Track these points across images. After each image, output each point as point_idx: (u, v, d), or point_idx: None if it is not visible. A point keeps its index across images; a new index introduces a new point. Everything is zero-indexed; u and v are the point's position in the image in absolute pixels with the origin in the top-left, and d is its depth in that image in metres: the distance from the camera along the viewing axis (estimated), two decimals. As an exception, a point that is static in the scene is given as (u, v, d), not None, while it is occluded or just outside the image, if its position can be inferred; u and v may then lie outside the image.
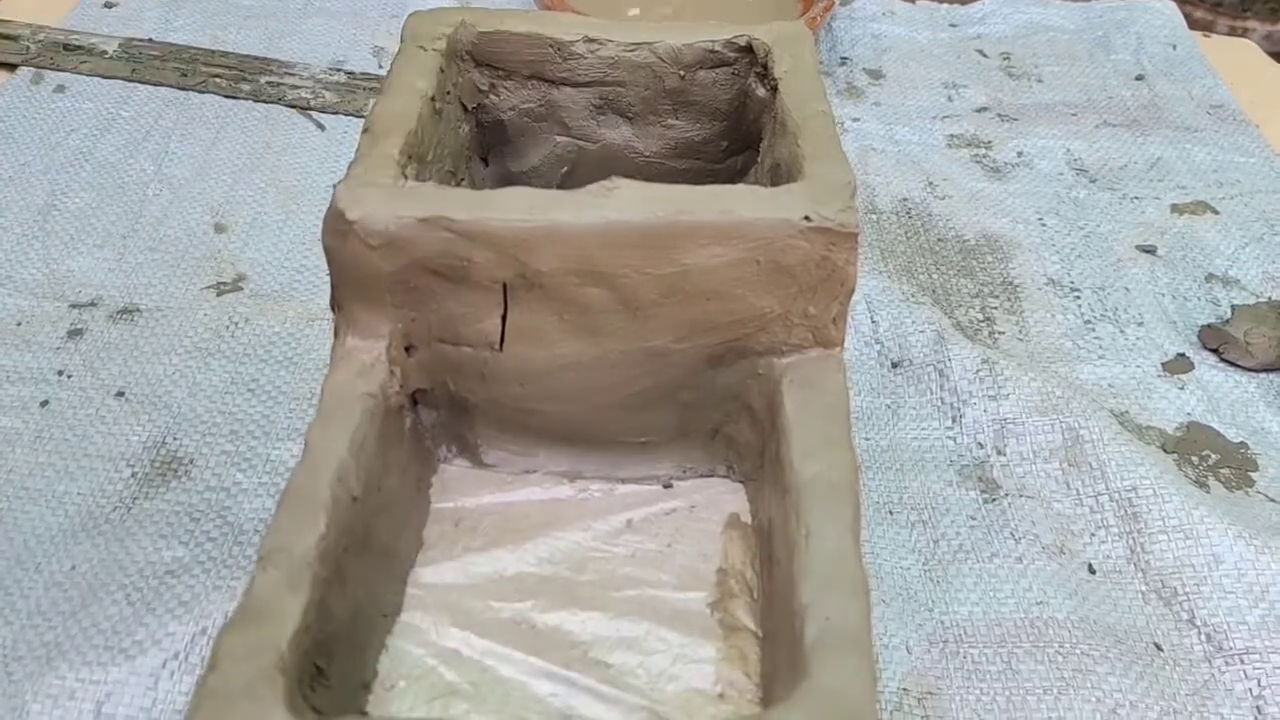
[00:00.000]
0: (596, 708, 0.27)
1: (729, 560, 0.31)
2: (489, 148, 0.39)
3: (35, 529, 0.38)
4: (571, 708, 0.27)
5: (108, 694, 0.33)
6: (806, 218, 0.29)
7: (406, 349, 0.30)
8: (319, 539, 0.25)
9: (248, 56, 0.63)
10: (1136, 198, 0.56)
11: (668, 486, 0.33)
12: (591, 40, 0.36)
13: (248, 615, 0.24)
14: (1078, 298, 0.50)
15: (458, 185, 0.36)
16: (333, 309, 0.30)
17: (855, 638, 0.24)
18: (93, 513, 0.38)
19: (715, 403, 0.32)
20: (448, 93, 0.35)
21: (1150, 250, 0.53)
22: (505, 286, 0.29)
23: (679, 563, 0.31)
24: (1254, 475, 0.42)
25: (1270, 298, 0.50)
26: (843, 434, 0.28)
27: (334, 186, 0.29)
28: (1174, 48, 0.69)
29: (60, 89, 0.60)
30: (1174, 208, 0.55)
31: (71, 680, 0.33)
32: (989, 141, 0.60)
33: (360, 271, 0.29)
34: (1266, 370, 0.46)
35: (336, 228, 0.29)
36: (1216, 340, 0.47)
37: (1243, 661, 0.35)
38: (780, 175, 0.33)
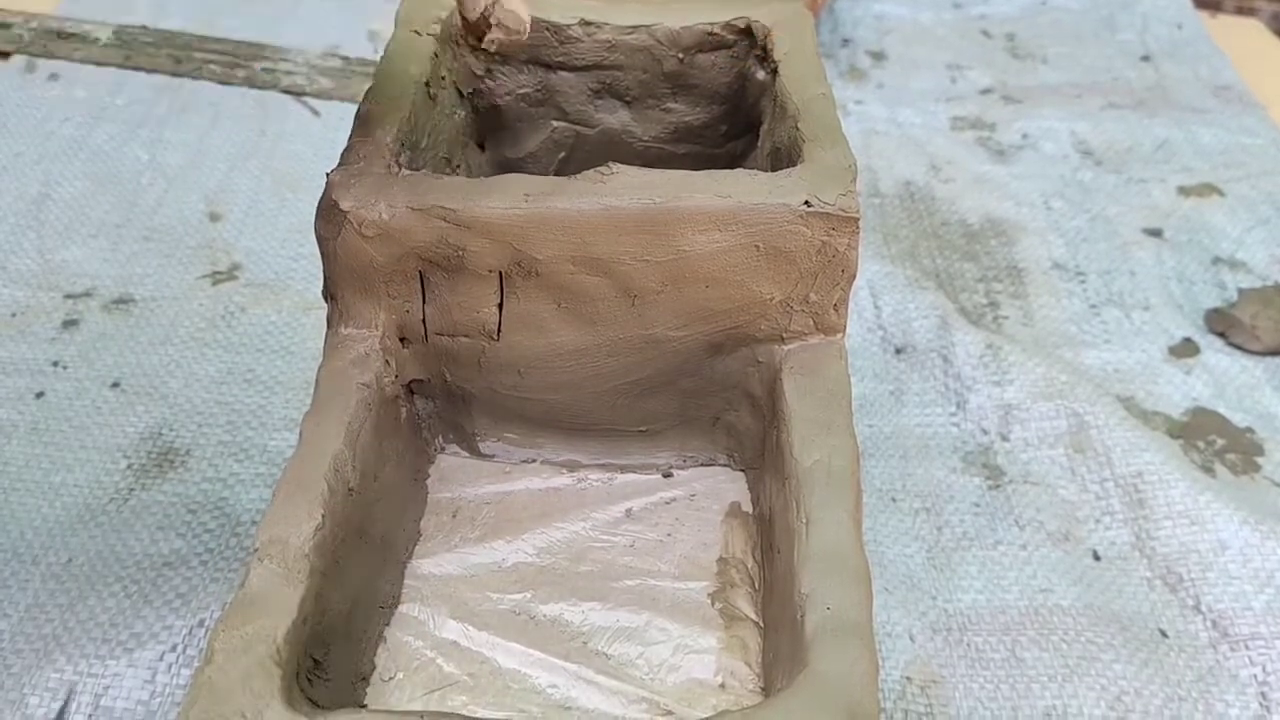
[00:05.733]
0: (596, 699, 0.27)
1: (730, 549, 0.31)
2: (485, 134, 0.39)
3: (32, 521, 0.38)
4: (571, 699, 0.27)
5: (106, 687, 0.32)
6: (806, 203, 0.28)
7: (401, 339, 0.30)
8: (315, 530, 0.25)
9: (242, 42, 0.63)
10: (1143, 180, 0.56)
11: (667, 475, 0.33)
12: (588, 24, 0.36)
13: (243, 608, 0.24)
14: (1083, 282, 0.49)
15: (453, 172, 0.35)
16: (325, 298, 0.30)
17: (856, 626, 0.24)
18: (89, 505, 0.38)
19: (715, 390, 0.32)
20: (442, 78, 0.35)
21: (1156, 233, 0.52)
22: (502, 275, 0.29)
23: (679, 552, 0.30)
24: (1260, 460, 0.41)
25: (1277, 281, 0.49)
26: (844, 421, 0.28)
27: (327, 175, 0.29)
28: (1180, 27, 0.68)
29: (54, 77, 0.59)
30: (1180, 190, 0.55)
31: (70, 673, 0.33)
32: (993, 124, 0.59)
33: (355, 262, 0.29)
34: (1273, 354, 0.46)
35: (330, 218, 0.28)
36: (1223, 324, 0.47)
37: (1248, 647, 0.35)
38: (780, 159, 0.32)
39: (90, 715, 0.32)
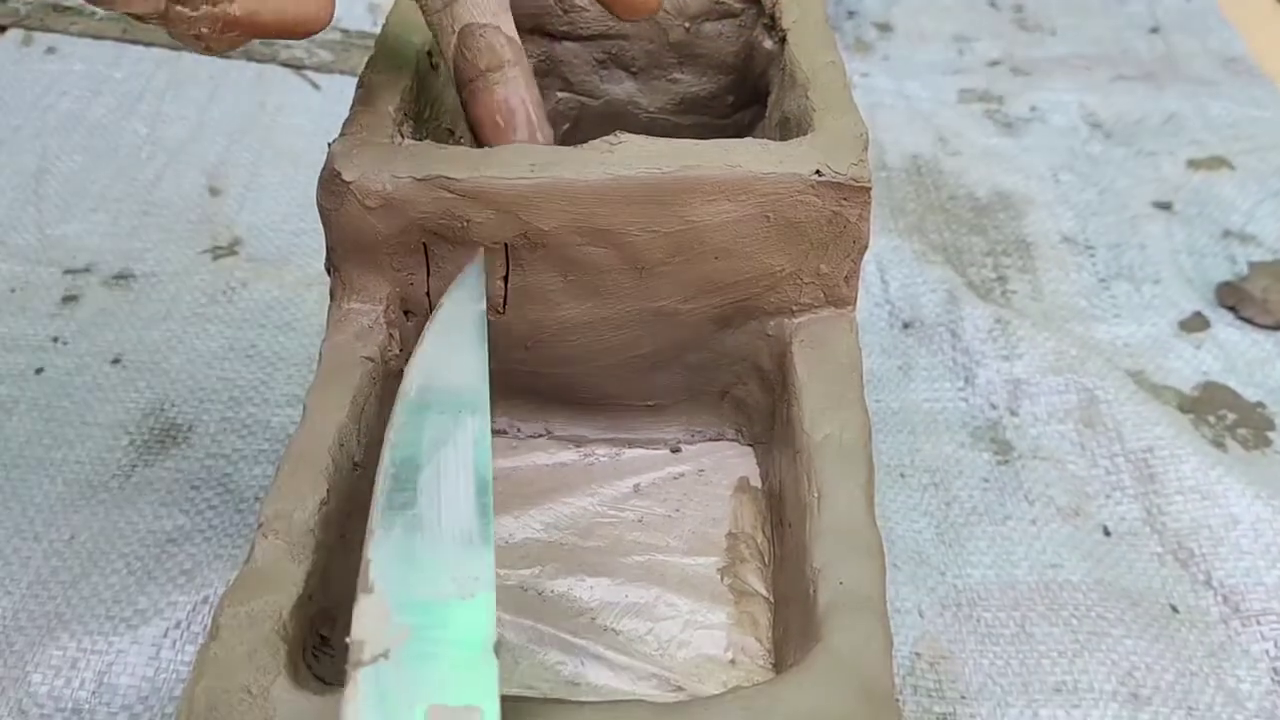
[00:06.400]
0: (606, 675, 0.27)
1: (739, 524, 0.30)
2: (489, 104, 0.38)
3: (34, 498, 0.37)
4: (580, 675, 0.27)
5: (109, 664, 0.32)
6: (817, 172, 0.28)
7: (406, 313, 0.30)
8: (320, 505, 0.25)
9: (241, 15, 0.62)
10: (1152, 153, 0.55)
11: (675, 450, 0.33)
12: (593, -9, 0.35)
13: (249, 583, 0.23)
14: (1092, 255, 0.49)
15: (456, 144, 0.35)
16: (328, 271, 0.29)
17: (869, 602, 0.23)
18: (91, 481, 0.38)
19: (724, 364, 0.31)
20: (445, 47, 0.34)
21: (1166, 206, 0.52)
22: (507, 247, 0.28)
23: (688, 527, 0.30)
24: (1271, 435, 0.41)
25: (1288, 254, 0.49)
26: (855, 395, 0.28)
27: (329, 145, 0.28)
28: (1189, -1, 0.67)
29: (51, 50, 0.59)
30: (1190, 163, 0.54)
31: (73, 650, 0.32)
32: (1001, 96, 0.59)
33: (357, 233, 0.28)
34: (1284, 328, 0.45)
35: (332, 188, 0.28)
36: (1233, 298, 0.46)
37: (1260, 623, 0.35)
38: (790, 129, 0.32)
39: (94, 692, 0.32)
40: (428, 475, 0.22)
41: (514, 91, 0.28)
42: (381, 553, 0.21)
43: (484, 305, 0.27)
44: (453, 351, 0.25)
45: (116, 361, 0.42)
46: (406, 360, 0.30)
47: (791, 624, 0.25)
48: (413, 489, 0.22)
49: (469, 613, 0.20)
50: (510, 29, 0.29)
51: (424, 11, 0.29)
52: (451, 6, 0.28)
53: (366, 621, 0.19)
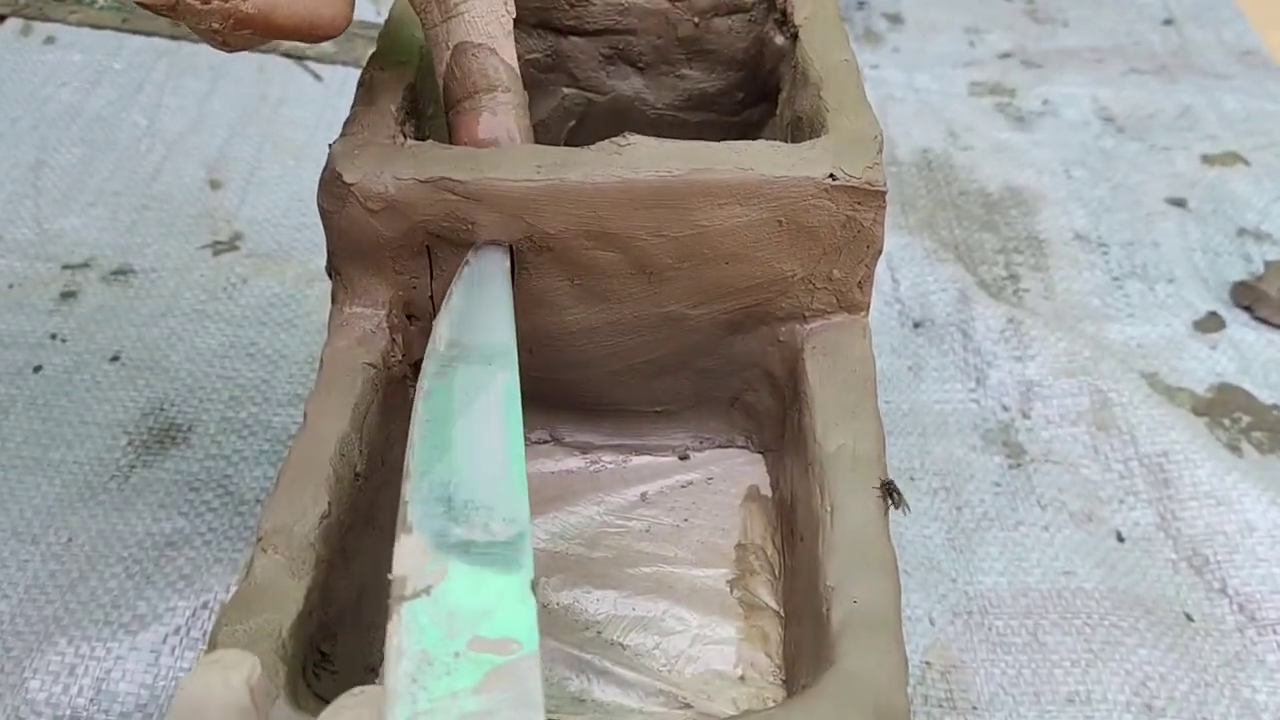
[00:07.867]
0: (613, 692, 0.26)
1: (749, 535, 0.30)
2: (493, 100, 0.37)
3: (31, 499, 0.37)
4: (586, 692, 0.26)
5: (108, 670, 0.32)
6: (831, 175, 0.27)
7: (409, 317, 0.29)
8: (320, 518, 0.24)
9: (242, 4, 0.61)
10: (1166, 148, 0.54)
11: (684, 458, 0.32)
12: (601, -15, 0.35)
13: (247, 600, 0.23)
14: (1106, 253, 0.48)
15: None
16: (329, 274, 0.29)
17: (884, 620, 0.23)
18: (89, 482, 0.37)
19: (734, 370, 0.31)
20: (449, 42, 0.33)
21: (1180, 203, 0.51)
22: (513, 250, 0.28)
23: (696, 538, 0.30)
24: (1287, 438, 0.41)
25: (1305, 252, 0.48)
26: (869, 404, 0.27)
27: (330, 146, 0.28)
28: (1203, -11, 0.66)
29: (50, 40, 0.58)
30: (1204, 158, 0.53)
31: (71, 656, 0.32)
32: (1013, 89, 0.58)
33: (359, 236, 0.27)
34: (1301, 328, 0.45)
35: (333, 190, 0.27)
36: (1249, 297, 0.46)
37: (1276, 632, 0.34)
38: (802, 129, 0.31)
39: (92, 699, 0.31)
40: (462, 423, 0.22)
41: (501, 119, 0.27)
42: (420, 495, 0.21)
43: (509, 264, 0.27)
44: (481, 306, 0.25)
45: (115, 359, 0.42)
46: (409, 365, 0.30)
47: (803, 641, 0.25)
48: (448, 434, 0.22)
49: (506, 553, 0.20)
50: (509, 55, 0.28)
51: (423, 25, 0.28)
52: (448, 22, 0.27)
53: (407, 560, 0.20)
